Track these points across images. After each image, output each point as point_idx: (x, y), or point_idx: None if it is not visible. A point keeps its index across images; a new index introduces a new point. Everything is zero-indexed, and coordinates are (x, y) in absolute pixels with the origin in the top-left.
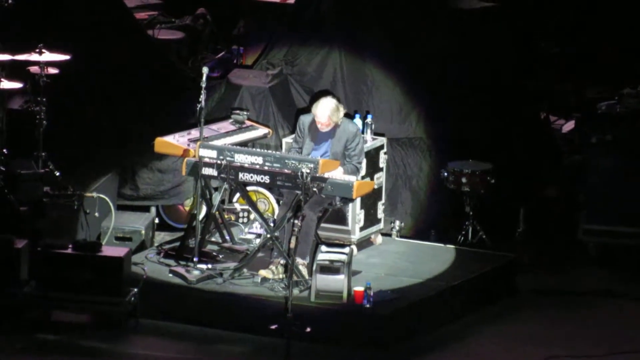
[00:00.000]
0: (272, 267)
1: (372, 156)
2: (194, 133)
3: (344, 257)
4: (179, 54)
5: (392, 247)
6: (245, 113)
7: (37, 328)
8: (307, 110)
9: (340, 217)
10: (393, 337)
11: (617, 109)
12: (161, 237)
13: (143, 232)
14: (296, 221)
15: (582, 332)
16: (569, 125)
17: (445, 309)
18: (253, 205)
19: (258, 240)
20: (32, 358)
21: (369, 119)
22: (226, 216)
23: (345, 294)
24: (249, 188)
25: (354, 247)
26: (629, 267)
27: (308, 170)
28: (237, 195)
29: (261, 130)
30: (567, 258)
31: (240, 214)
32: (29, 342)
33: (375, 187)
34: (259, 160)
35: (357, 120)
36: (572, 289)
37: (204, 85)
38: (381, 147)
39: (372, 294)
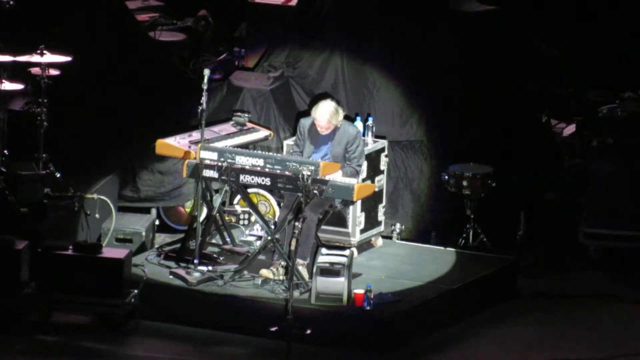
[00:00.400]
0: (273, 269)
1: (373, 159)
2: (195, 135)
3: (344, 260)
4: (180, 56)
5: (392, 249)
6: (246, 115)
7: (37, 329)
8: (308, 113)
9: (340, 220)
10: (393, 340)
11: (617, 112)
12: (161, 238)
13: (143, 233)
14: (297, 223)
15: (583, 335)
16: (569, 129)
17: (445, 312)
18: (254, 207)
19: (259, 242)
20: (32, 359)
21: (370, 122)
22: (227, 218)
23: (345, 297)
24: (249, 190)
25: (355, 250)
26: (630, 270)
27: (309, 173)
28: (238, 197)
29: (262, 133)
30: (567, 261)
31: (241, 216)
32: (29, 343)
33: (376, 189)
34: (260, 162)
35: (358, 123)
36: (573, 292)
37: (205, 87)
38: (382, 149)
39: (372, 296)
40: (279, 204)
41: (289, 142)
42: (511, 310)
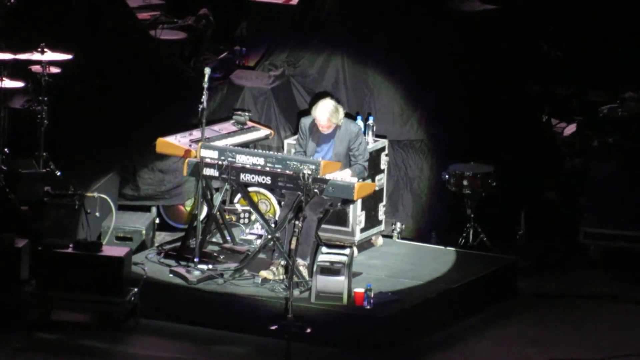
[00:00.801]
0: (273, 268)
1: (373, 158)
2: (196, 134)
3: (344, 259)
4: (181, 55)
5: (392, 248)
6: (247, 114)
7: (37, 327)
8: (308, 112)
9: (341, 219)
10: (393, 339)
11: (618, 112)
12: (162, 237)
13: (144, 232)
14: (297, 222)
15: (583, 335)
16: (570, 129)
17: (445, 311)
18: (254, 206)
19: (259, 241)
20: (32, 357)
21: (370, 121)
22: (227, 217)
23: (345, 296)
24: (250, 189)
25: (355, 249)
26: (630, 270)
27: (309, 172)
28: (238, 196)
29: (263, 132)
30: (568, 261)
31: (241, 215)
32: (29, 341)
33: (377, 188)
34: (261, 161)
35: (359, 122)
36: (573, 292)
37: (206, 85)
38: (382, 149)
39: (372, 295)
40: (279, 203)
41: (289, 141)
42: (511, 310)
